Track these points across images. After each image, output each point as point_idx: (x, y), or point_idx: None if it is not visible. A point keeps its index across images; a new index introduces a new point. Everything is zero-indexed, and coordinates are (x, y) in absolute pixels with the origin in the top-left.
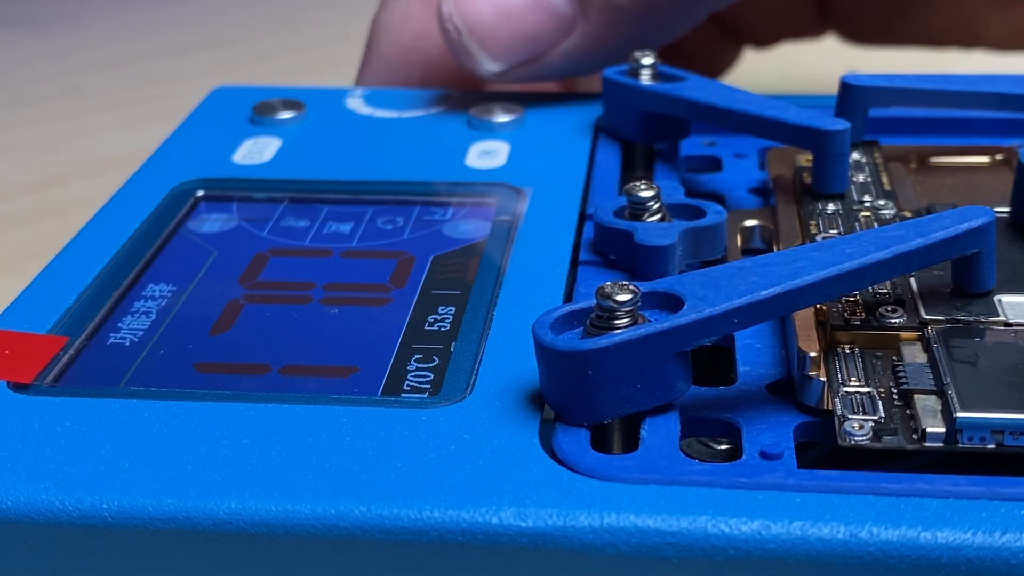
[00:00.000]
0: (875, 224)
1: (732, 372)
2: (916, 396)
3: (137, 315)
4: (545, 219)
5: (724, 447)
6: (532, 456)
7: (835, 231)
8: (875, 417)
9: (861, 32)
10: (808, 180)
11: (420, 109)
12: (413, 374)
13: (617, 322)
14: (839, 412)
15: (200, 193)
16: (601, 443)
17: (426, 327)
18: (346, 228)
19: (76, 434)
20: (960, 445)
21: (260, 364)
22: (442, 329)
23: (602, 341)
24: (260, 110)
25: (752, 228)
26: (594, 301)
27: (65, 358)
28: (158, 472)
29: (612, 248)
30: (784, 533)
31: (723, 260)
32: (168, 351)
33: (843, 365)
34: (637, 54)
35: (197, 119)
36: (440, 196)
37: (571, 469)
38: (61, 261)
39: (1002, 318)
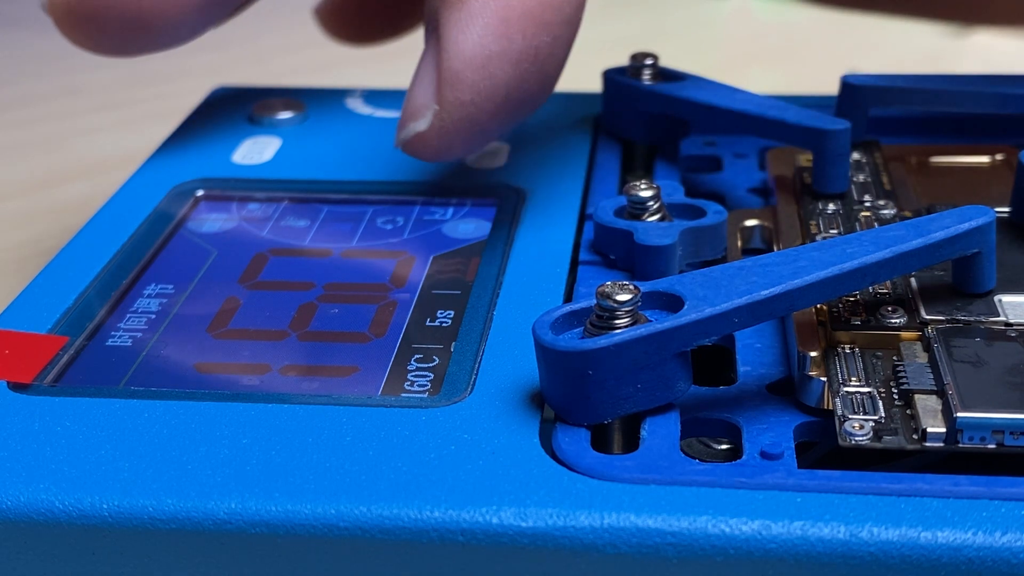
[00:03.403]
0: (875, 224)
1: (732, 372)
2: (916, 396)
3: (137, 315)
4: (545, 219)
5: (724, 447)
6: (532, 456)
7: (835, 231)
8: (875, 417)
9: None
10: (808, 180)
11: None
12: (413, 374)
13: (617, 322)
14: (839, 412)
15: (200, 193)
16: (601, 443)
17: (426, 327)
18: (346, 228)
19: (76, 434)
20: (960, 445)
21: (260, 364)
22: (442, 329)
23: (602, 341)
24: (260, 110)
25: (752, 228)
26: (594, 301)
27: (65, 358)
28: (158, 472)
29: (612, 248)
30: (784, 533)
31: (723, 260)
32: (168, 351)
33: (843, 365)
34: (638, 54)
35: (197, 119)
36: (440, 196)
37: (571, 469)
38: (61, 261)
39: (1002, 318)
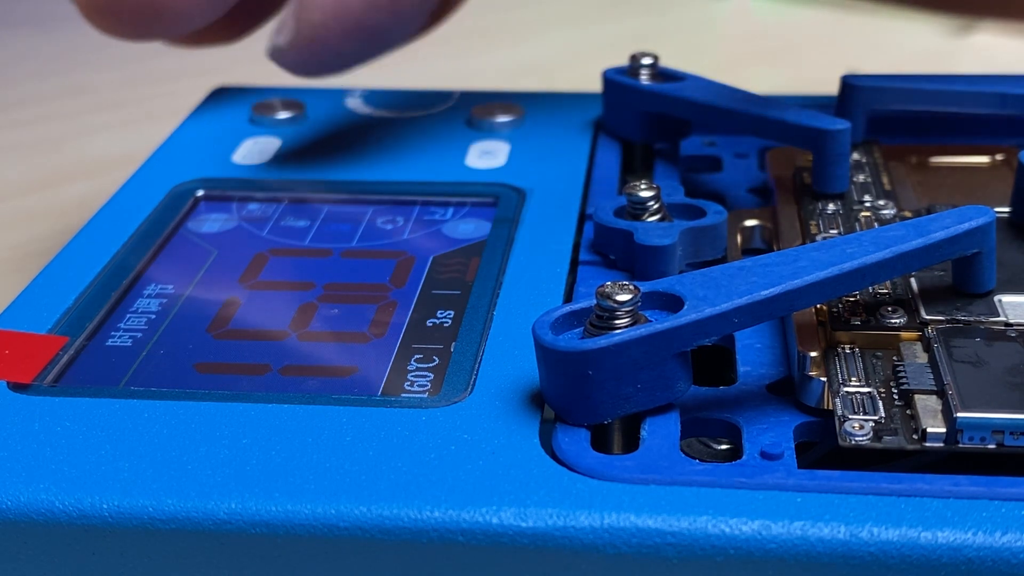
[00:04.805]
0: (875, 224)
1: (732, 372)
2: (916, 396)
3: (137, 315)
4: (545, 219)
5: (724, 447)
6: (532, 456)
7: (835, 231)
8: (875, 417)
9: None
10: (808, 180)
11: (420, 109)
12: (413, 374)
13: (617, 322)
14: (839, 412)
15: (200, 193)
16: (601, 443)
17: (426, 327)
18: (346, 228)
19: (76, 434)
20: (960, 445)
21: (260, 364)
22: (442, 329)
23: (602, 341)
24: (260, 110)
25: (752, 228)
26: (594, 301)
27: (65, 358)
28: (158, 472)
29: (612, 248)
30: (784, 533)
31: (723, 260)
32: (168, 351)
33: (843, 365)
34: (637, 54)
35: (197, 119)
36: (440, 196)
37: (571, 469)
38: (61, 261)
39: (1002, 318)
